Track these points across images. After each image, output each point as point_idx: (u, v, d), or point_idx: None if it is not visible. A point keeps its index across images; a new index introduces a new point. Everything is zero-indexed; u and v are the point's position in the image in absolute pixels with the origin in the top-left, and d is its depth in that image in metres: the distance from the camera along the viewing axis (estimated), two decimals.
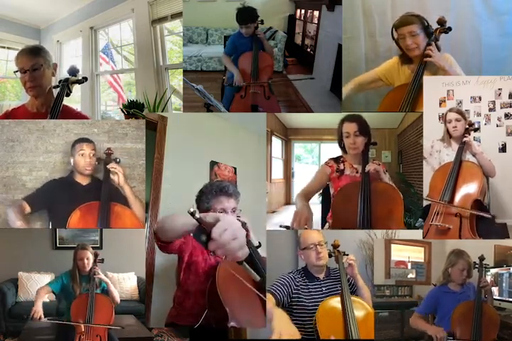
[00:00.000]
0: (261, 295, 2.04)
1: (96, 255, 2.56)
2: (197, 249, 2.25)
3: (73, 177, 2.62)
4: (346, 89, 2.82)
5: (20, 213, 2.53)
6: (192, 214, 1.24)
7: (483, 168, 2.50)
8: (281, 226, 2.45)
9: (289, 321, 1.97)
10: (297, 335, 1.91)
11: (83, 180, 2.63)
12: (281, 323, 1.93)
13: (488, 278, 2.60)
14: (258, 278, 1.40)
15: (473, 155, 2.52)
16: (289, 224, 2.37)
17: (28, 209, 2.54)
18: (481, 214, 2.38)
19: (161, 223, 1.76)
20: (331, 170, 2.52)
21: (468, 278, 2.50)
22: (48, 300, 2.64)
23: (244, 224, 2.38)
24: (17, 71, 2.55)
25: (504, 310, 2.60)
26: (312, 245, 2.30)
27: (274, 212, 4.18)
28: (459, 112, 2.58)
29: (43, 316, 2.41)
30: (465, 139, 2.50)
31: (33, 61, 2.51)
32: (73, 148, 2.62)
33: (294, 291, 2.27)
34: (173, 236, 1.78)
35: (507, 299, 2.65)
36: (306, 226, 2.25)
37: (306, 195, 2.51)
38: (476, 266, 2.49)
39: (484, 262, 2.50)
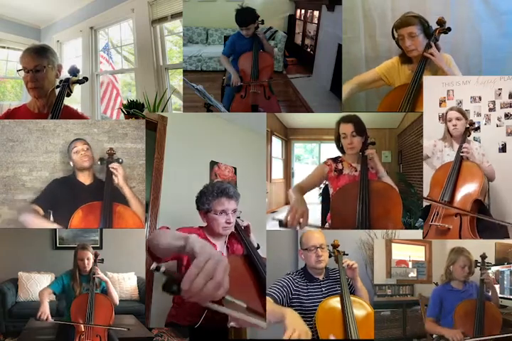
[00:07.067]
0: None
1: (96, 255, 2.56)
2: None
3: (75, 177, 2.62)
4: (346, 89, 2.80)
5: (38, 216, 2.50)
6: (156, 270, 1.17)
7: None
8: (273, 219, 2.43)
9: (301, 319, 1.96)
10: (309, 334, 1.90)
11: (85, 180, 2.61)
12: (295, 321, 1.91)
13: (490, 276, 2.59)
14: (244, 305, 1.32)
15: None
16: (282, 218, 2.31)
17: (41, 211, 2.52)
18: (488, 219, 2.35)
19: (151, 240, 1.69)
20: (329, 168, 2.53)
21: (470, 274, 2.48)
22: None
23: (247, 227, 2.40)
24: (20, 70, 2.52)
25: (505, 308, 2.60)
26: (313, 247, 2.29)
27: (274, 211, 4.18)
28: (460, 111, 2.58)
29: (50, 316, 2.40)
30: (464, 145, 2.49)
31: (37, 62, 2.49)
32: (69, 149, 2.63)
33: (293, 292, 2.26)
34: (163, 254, 1.68)
35: (508, 296, 2.64)
36: (301, 220, 2.20)
37: (301, 189, 2.49)
38: (478, 264, 2.47)
39: (486, 260, 2.48)
